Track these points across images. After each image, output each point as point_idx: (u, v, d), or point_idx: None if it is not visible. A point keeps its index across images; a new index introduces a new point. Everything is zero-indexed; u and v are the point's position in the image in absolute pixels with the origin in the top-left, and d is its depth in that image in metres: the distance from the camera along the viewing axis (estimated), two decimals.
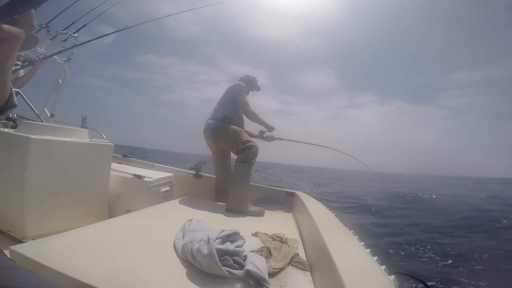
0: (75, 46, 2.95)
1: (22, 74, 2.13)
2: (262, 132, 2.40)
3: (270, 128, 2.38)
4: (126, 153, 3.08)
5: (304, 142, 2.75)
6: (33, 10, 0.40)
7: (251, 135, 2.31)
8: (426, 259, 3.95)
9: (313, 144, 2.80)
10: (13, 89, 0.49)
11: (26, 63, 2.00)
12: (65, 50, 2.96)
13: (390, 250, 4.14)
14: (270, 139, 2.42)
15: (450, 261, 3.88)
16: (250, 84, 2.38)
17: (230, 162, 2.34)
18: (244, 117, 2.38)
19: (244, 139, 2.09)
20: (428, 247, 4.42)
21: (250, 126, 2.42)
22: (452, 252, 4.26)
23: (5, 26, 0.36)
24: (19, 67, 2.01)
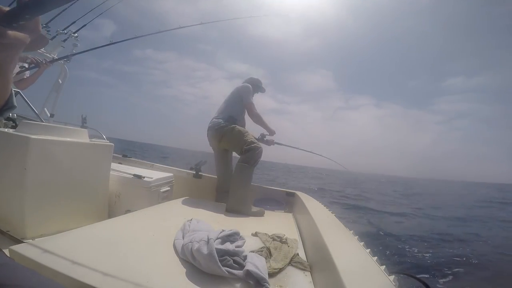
0: (83, 51, 2.94)
1: (28, 76, 2.14)
2: (263, 136, 2.42)
3: (272, 132, 2.41)
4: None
5: (301, 149, 2.93)
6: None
7: None
8: (426, 259, 3.95)
9: (309, 152, 3.04)
10: (13, 90, 0.49)
11: (32, 65, 2.00)
12: (75, 54, 2.95)
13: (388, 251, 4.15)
14: (270, 143, 2.44)
15: (450, 261, 3.88)
16: (255, 86, 2.43)
17: (232, 162, 2.35)
18: (246, 120, 2.39)
19: (249, 139, 2.08)
20: (429, 248, 4.42)
21: (250, 128, 2.44)
22: (452, 252, 4.26)
23: (11, 32, 0.36)
24: (24, 69, 2.01)
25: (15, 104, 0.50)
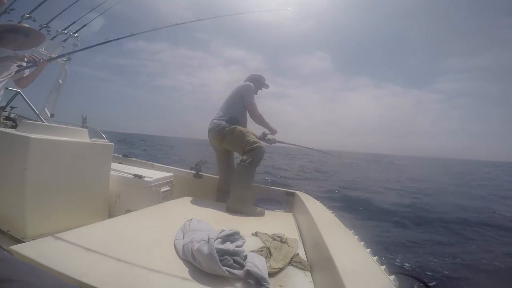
0: (80, 50, 2.95)
1: (27, 74, 2.14)
2: (264, 135, 2.40)
3: (274, 132, 2.40)
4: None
5: (302, 146, 2.89)
6: None
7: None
8: (426, 259, 3.95)
9: (310, 149, 3.01)
10: (11, 89, 0.49)
11: (31, 63, 2.01)
12: (72, 53, 2.95)
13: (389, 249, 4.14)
14: (271, 141, 2.43)
15: (450, 260, 3.88)
16: (258, 83, 2.40)
17: (234, 162, 2.34)
18: (248, 118, 2.37)
19: (251, 140, 2.07)
20: (429, 247, 4.42)
21: (251, 127, 2.43)
22: (453, 251, 4.25)
23: None
24: (23, 67, 2.01)
25: None
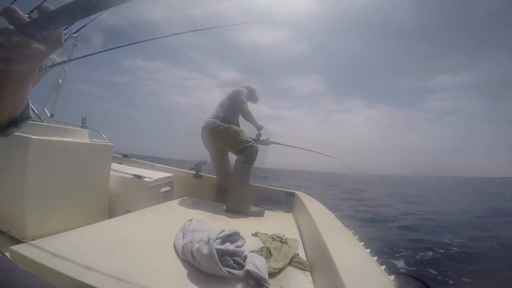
0: (82, 57, 2.96)
1: None
2: (258, 136, 2.44)
3: (259, 128, 2.45)
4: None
5: (298, 147, 2.92)
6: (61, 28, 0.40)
7: None
8: (426, 259, 3.95)
9: (304, 149, 3.09)
10: (29, 101, 0.48)
11: None
12: (71, 60, 2.97)
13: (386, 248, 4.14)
14: (266, 142, 2.48)
15: (450, 261, 3.88)
16: (250, 93, 2.49)
17: (229, 162, 2.35)
18: (240, 122, 2.43)
19: (244, 139, 2.09)
20: (429, 247, 4.42)
21: (245, 129, 2.47)
22: (453, 252, 4.25)
23: (34, 44, 0.35)
24: None
25: (31, 114, 0.50)
